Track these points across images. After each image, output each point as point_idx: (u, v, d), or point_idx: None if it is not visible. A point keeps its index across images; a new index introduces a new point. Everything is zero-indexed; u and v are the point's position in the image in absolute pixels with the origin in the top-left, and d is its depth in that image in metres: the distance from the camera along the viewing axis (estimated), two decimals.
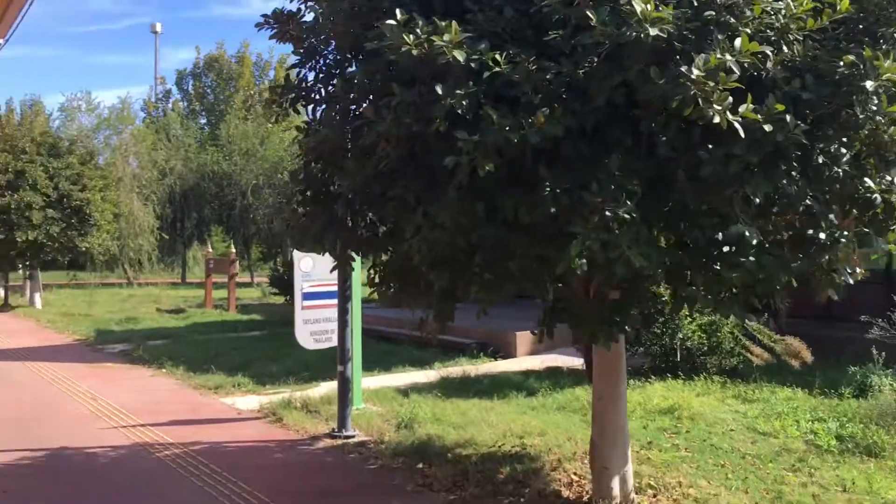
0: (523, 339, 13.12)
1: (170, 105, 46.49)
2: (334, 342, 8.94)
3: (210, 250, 24.51)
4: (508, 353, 13.02)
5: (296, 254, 8.80)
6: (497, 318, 16.46)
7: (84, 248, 24.70)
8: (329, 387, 10.51)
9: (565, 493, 6.26)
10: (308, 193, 5.63)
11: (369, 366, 11.59)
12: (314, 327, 8.87)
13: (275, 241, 34.42)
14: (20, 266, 26.28)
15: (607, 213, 4.04)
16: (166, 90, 47.47)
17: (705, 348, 10.64)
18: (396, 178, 4.75)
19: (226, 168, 38.45)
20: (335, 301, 9.04)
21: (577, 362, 11.64)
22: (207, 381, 11.30)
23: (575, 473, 6.66)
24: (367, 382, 10.30)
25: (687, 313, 10.03)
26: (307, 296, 8.84)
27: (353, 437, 8.17)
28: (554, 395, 9.69)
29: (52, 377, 12.13)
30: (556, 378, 10.83)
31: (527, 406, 9.17)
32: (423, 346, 13.11)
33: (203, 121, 46.01)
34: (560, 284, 5.35)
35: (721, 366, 10.66)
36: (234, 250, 22.27)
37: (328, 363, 11.96)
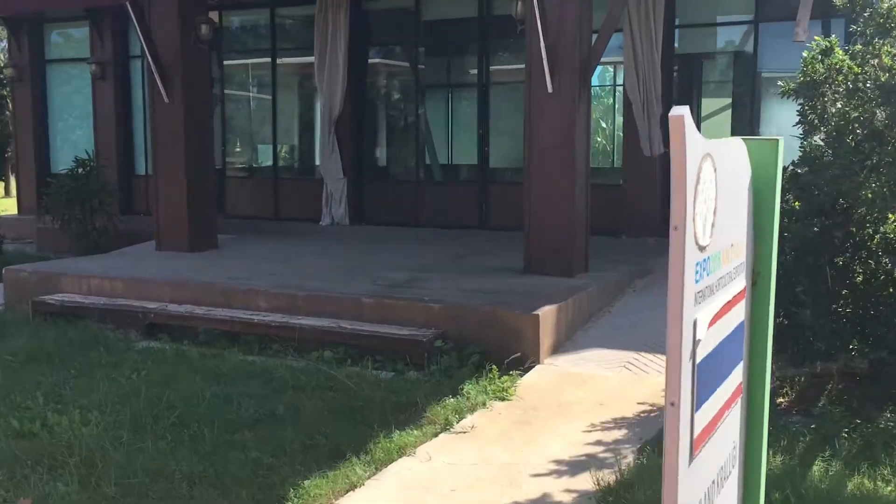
0: (549, 319, 6.42)
1: None
2: None
3: None
4: (523, 354, 6.24)
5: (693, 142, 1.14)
6: (437, 271, 7.97)
7: None
8: None
9: None
10: None
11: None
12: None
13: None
14: None
15: None
16: None
17: None
18: None
19: None
20: None
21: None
22: None
23: None
24: None
25: None
26: (708, 364, 1.20)
27: None
28: None
29: None
30: None
31: None
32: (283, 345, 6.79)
33: None
34: None
35: None
36: None
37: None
